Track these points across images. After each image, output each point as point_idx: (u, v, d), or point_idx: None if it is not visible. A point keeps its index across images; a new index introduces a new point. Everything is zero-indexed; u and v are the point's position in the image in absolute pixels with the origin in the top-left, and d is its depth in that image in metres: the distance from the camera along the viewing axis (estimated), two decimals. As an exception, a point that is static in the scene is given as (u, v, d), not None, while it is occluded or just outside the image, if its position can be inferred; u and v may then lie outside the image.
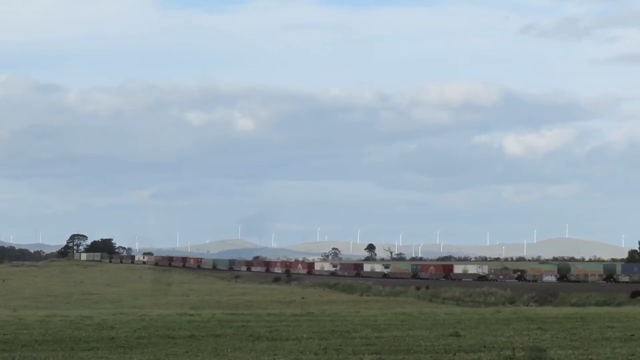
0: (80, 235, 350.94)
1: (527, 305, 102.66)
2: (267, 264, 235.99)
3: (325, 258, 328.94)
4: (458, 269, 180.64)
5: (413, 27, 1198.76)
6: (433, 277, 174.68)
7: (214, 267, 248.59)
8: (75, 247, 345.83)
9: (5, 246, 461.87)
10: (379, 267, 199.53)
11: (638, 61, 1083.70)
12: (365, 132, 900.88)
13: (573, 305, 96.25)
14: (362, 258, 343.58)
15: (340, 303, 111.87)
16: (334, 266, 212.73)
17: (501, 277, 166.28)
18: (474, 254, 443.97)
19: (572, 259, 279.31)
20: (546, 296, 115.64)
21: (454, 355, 31.51)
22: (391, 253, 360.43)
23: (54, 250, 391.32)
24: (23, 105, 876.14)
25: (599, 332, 39.50)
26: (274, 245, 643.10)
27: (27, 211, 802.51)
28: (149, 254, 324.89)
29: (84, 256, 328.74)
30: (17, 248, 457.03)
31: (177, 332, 40.20)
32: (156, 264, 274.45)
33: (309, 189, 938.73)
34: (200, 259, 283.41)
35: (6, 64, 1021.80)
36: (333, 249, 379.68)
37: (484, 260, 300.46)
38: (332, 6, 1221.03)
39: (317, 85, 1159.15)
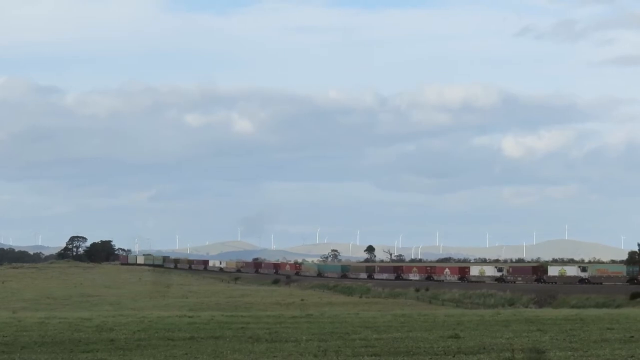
0: (80, 237, 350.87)
1: (526, 307, 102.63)
2: (398, 270, 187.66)
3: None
4: None
5: (411, 29, 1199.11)
6: None
7: (319, 275, 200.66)
8: (74, 249, 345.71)
9: (5, 248, 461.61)
10: (572, 270, 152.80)
11: (636, 63, 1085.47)
12: (365, 134, 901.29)
13: (572, 306, 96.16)
14: (362, 260, 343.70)
15: (339, 305, 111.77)
16: (500, 270, 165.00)
17: None
18: (473, 255, 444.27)
19: (571, 261, 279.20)
20: (545, 298, 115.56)
21: (454, 356, 31.53)
22: (391, 255, 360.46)
23: (53, 252, 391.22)
24: (22, 107, 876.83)
25: (599, 334, 39.51)
26: (273, 246, 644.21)
27: (26, 213, 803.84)
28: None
29: (140, 259, 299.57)
30: (16, 250, 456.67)
31: (177, 334, 40.20)
32: (238, 270, 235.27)
33: (308, 191, 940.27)
34: (300, 264, 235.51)
35: (5, 66, 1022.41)
36: (332, 250, 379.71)
37: (483, 262, 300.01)
38: (331, 9, 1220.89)
39: (316, 87, 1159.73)
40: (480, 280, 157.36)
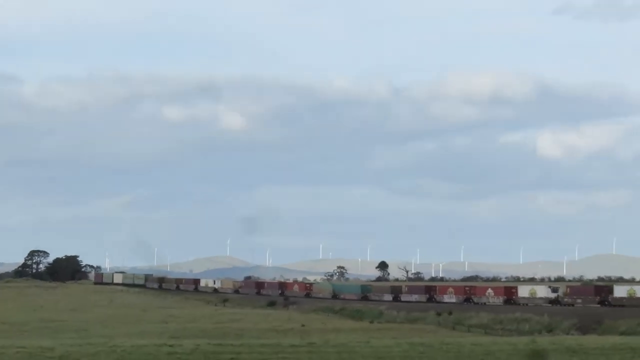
0: (41, 252, 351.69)
1: (567, 334, 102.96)
2: (430, 291, 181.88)
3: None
4: None
5: (431, 7, 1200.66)
6: None
7: (335, 296, 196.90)
8: (34, 266, 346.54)
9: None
10: None
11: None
12: (376, 130, 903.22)
13: (621, 334, 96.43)
14: (373, 278, 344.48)
15: (347, 331, 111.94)
16: (555, 291, 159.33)
17: None
18: (505, 273, 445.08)
19: (620, 279, 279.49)
20: (590, 323, 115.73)
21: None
22: (407, 272, 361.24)
23: (9, 270, 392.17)
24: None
25: (652, 366, 39.69)
26: (269, 263, 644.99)
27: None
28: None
29: (117, 277, 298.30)
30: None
31: (155, 366, 40.36)
32: (236, 291, 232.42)
33: (310, 197, 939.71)
34: (311, 284, 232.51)
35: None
36: (339, 267, 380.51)
37: (517, 280, 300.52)
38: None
39: (319, 75, 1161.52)
40: (531, 303, 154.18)
